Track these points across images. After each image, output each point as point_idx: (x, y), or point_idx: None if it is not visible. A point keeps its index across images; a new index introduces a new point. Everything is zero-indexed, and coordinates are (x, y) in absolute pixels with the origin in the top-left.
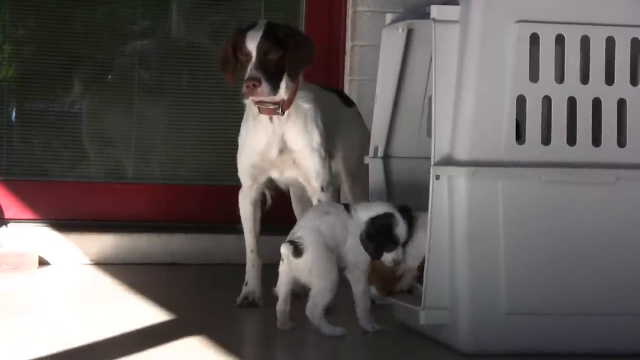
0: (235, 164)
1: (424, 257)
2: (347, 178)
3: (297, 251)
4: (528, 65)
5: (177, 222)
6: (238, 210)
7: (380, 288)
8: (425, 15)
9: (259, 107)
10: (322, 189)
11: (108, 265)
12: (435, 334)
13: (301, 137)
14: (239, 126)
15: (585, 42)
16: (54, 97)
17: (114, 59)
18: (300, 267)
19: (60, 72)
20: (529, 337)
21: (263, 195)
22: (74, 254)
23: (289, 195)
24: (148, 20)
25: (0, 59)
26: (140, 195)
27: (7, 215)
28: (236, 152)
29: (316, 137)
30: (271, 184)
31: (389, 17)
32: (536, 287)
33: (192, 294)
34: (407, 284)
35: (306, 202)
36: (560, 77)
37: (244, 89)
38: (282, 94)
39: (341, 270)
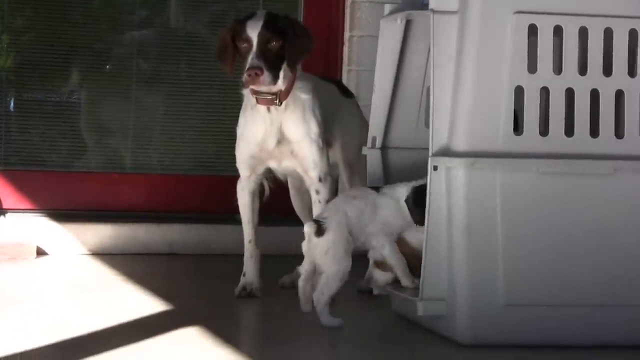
0: (234, 155)
1: None
2: (346, 169)
3: (320, 230)
4: (526, 56)
5: (175, 212)
6: (236, 200)
7: (415, 268)
8: (424, 5)
9: (256, 98)
10: (320, 180)
11: (106, 255)
12: (433, 326)
13: (299, 128)
14: (238, 116)
15: (583, 33)
16: (52, 87)
17: (112, 48)
18: (318, 246)
19: (59, 61)
20: (527, 328)
21: (261, 185)
22: (72, 244)
23: (287, 186)
24: (146, 10)
25: None
26: (138, 185)
27: (5, 205)
28: (234, 143)
29: (314, 128)
30: (269, 174)
31: (387, 7)
32: (534, 279)
33: (190, 285)
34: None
35: (304, 193)
36: (558, 68)
37: (245, 77)
38: (280, 84)
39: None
